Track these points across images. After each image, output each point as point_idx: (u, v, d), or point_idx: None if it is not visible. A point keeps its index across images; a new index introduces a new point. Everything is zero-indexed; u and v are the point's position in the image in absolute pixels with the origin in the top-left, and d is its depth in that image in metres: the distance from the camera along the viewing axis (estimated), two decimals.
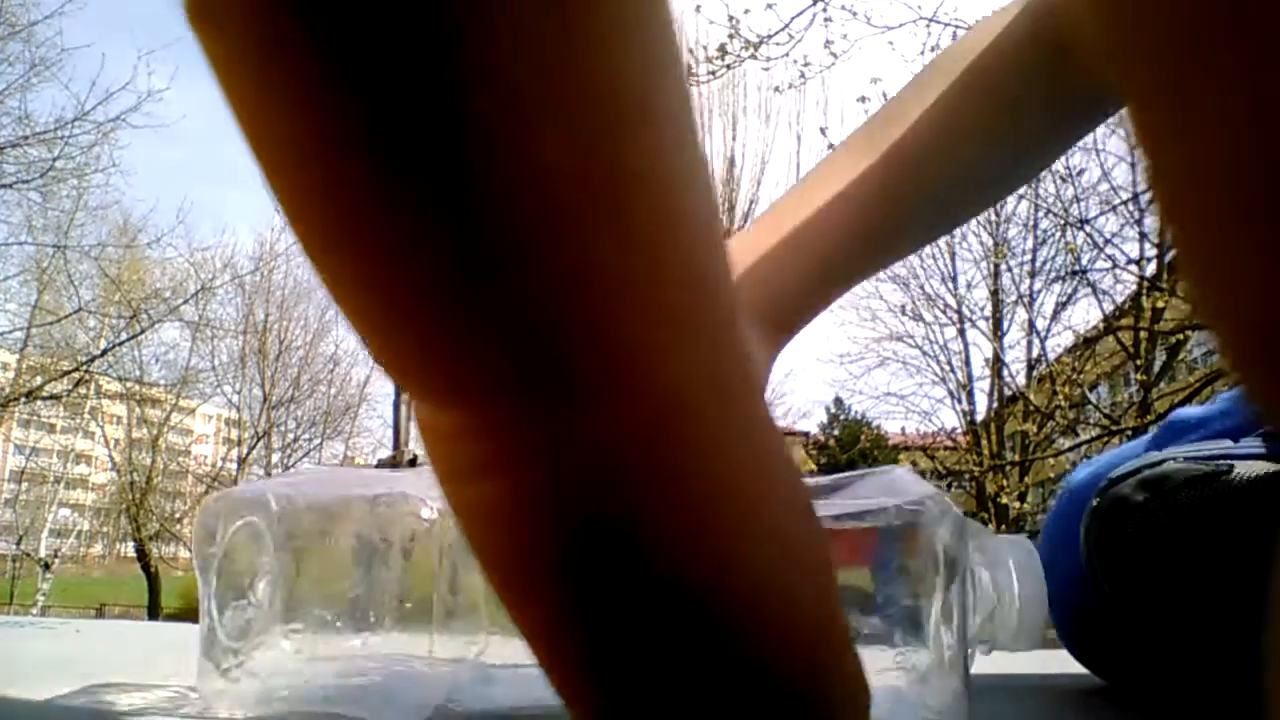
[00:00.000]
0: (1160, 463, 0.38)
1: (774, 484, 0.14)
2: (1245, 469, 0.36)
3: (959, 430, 8.23)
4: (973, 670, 0.33)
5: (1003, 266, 7.47)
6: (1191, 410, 0.43)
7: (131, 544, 11.02)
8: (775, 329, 0.37)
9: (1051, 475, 6.19)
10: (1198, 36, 0.09)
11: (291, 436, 11.58)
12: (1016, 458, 7.09)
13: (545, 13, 0.11)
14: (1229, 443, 0.39)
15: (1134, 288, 5.46)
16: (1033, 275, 7.27)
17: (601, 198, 0.11)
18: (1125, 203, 5.39)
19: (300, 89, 0.11)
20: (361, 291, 0.12)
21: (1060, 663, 0.49)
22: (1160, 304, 5.03)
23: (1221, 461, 0.37)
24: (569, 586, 0.13)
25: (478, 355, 0.12)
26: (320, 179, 0.11)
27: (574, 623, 0.13)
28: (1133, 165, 5.00)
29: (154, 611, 10.16)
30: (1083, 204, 5.68)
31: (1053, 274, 7.16)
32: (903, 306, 8.16)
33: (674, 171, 0.12)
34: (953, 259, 7.75)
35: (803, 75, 5.08)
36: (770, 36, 4.64)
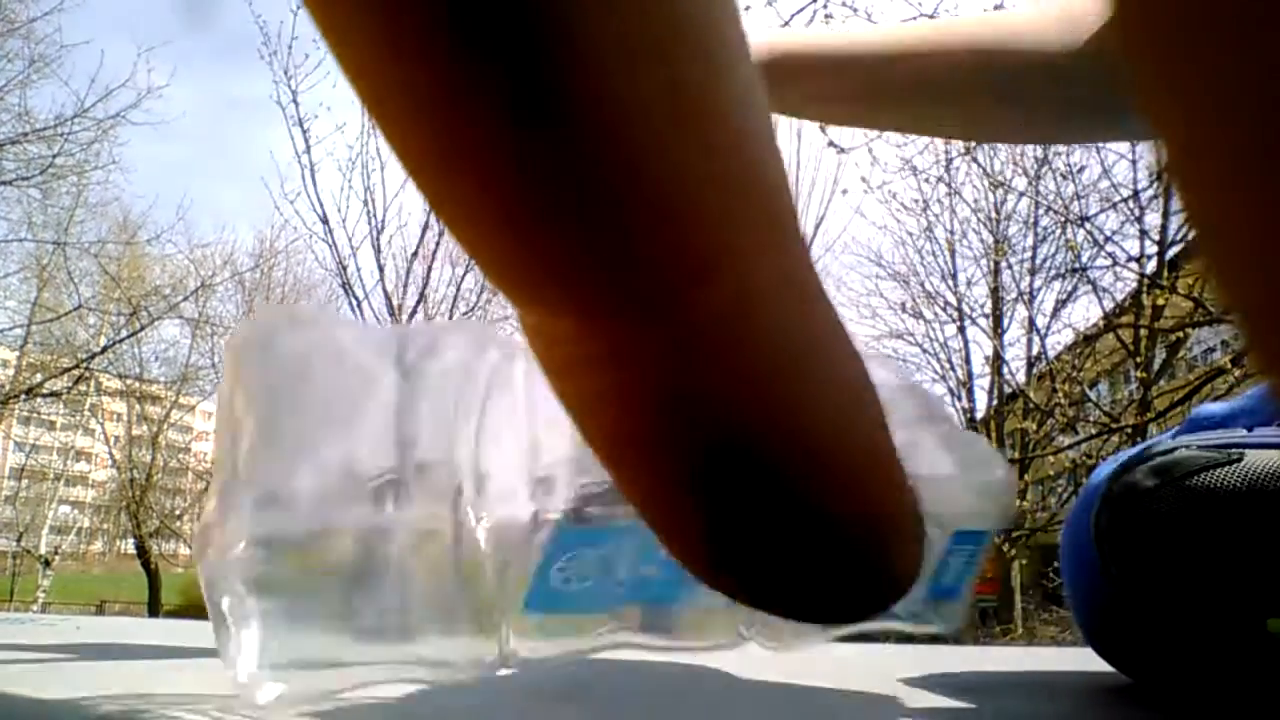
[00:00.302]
0: (1172, 450, 0.38)
1: (839, 359, 0.16)
2: (1257, 457, 0.36)
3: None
4: (995, 668, 0.33)
5: (1003, 264, 7.47)
6: (1215, 407, 0.43)
7: (132, 541, 11.03)
8: None
9: (1051, 473, 6.19)
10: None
11: None
12: (1016, 455, 7.09)
13: None
14: (1243, 432, 0.39)
15: (1134, 285, 5.45)
16: (1033, 273, 7.27)
17: (684, 121, 0.13)
18: (1126, 200, 5.39)
19: (421, 40, 0.12)
20: (473, 212, 0.14)
21: (1085, 660, 0.49)
22: (1160, 301, 5.03)
23: (1234, 449, 0.37)
24: (670, 461, 0.15)
25: (579, 266, 0.14)
26: (440, 115, 0.13)
27: (678, 492, 0.15)
28: (1133, 163, 5.00)
29: (154, 608, 10.17)
30: (1083, 201, 5.68)
31: (1053, 271, 7.16)
32: (903, 304, 8.16)
33: (740, 96, 0.14)
34: (953, 256, 7.75)
35: None
36: None
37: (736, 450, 0.15)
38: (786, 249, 0.15)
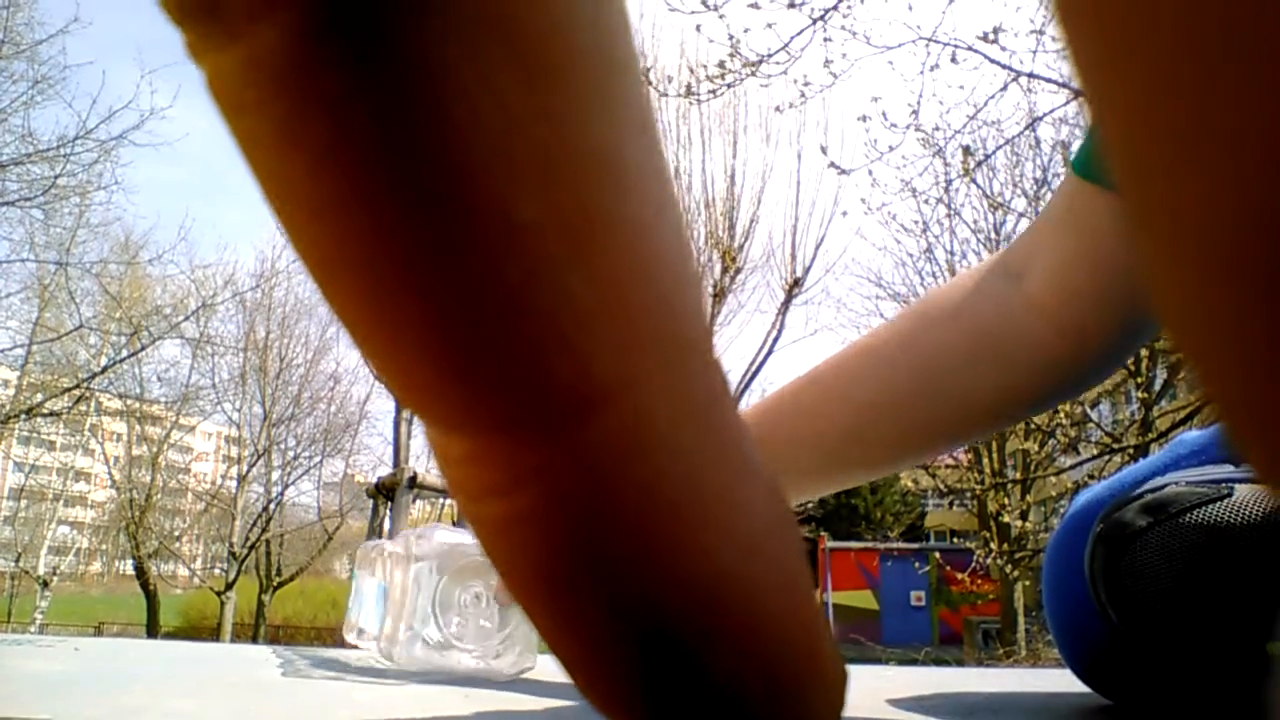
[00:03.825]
0: (1162, 487, 0.38)
1: (743, 476, 0.16)
2: (1247, 492, 0.36)
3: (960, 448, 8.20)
4: (974, 689, 0.33)
5: None
6: (1198, 434, 0.43)
7: (130, 562, 10.98)
8: None
9: (1053, 494, 6.18)
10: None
11: (292, 454, 11.57)
12: (1018, 476, 7.07)
13: (529, 93, 0.13)
14: (1230, 467, 0.39)
15: None
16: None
17: (580, 248, 0.13)
18: None
19: (328, 174, 0.13)
20: (375, 336, 0.14)
21: (1065, 682, 0.48)
22: None
23: (1224, 485, 0.37)
24: (572, 588, 0.15)
25: (475, 390, 0.14)
26: (337, 243, 0.13)
27: (581, 621, 0.15)
28: None
29: (152, 629, 10.12)
30: None
31: None
32: None
33: (644, 219, 0.14)
34: (953, 277, 7.75)
35: (803, 94, 5.10)
36: (770, 55, 4.67)
37: (641, 584, 0.14)
38: (691, 378, 0.15)
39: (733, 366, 7.20)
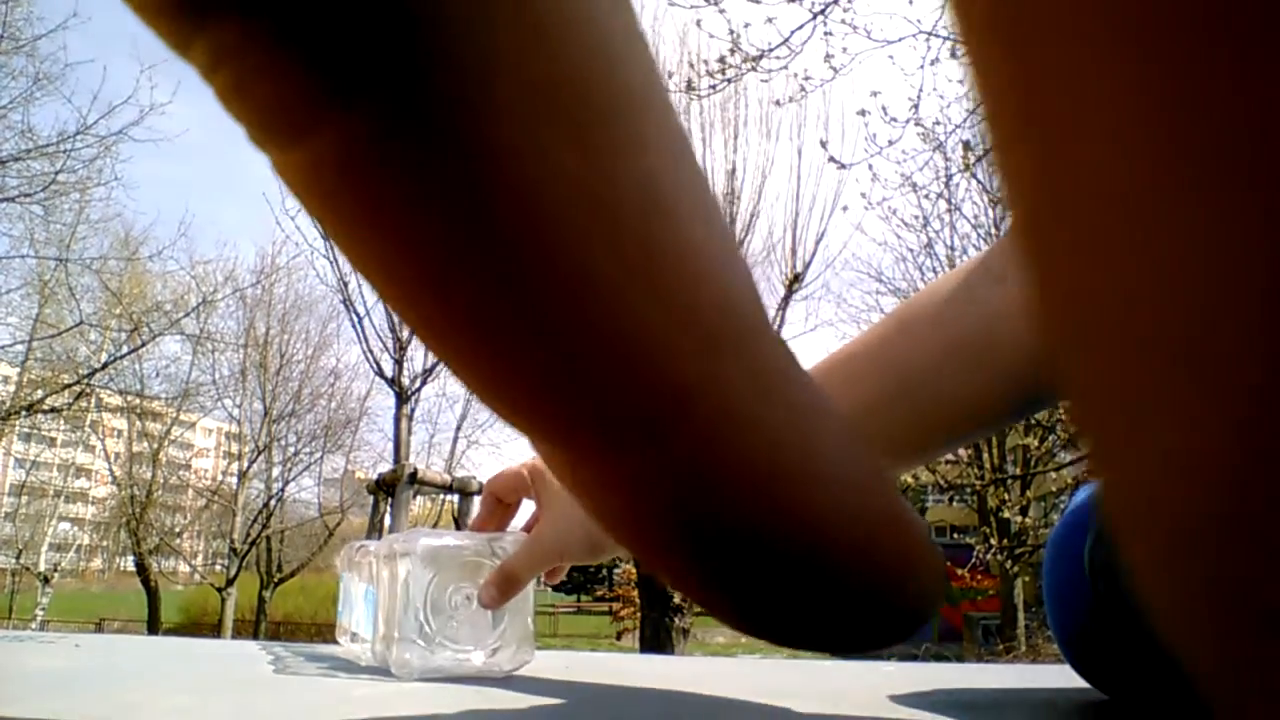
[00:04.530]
0: None
1: (818, 427, 0.18)
2: None
3: None
4: (975, 685, 0.33)
5: None
6: None
7: (131, 558, 11.00)
8: None
9: (1053, 489, 6.18)
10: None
11: (292, 450, 11.57)
12: (1018, 471, 7.08)
13: (579, 153, 0.14)
14: None
15: None
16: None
17: (642, 277, 0.15)
18: None
19: (407, 239, 0.15)
20: (477, 379, 0.16)
21: (1065, 678, 0.48)
22: None
23: None
24: (692, 561, 0.17)
25: (577, 415, 0.16)
26: (427, 309, 0.15)
27: (708, 584, 0.18)
28: None
29: (153, 626, 10.13)
30: None
31: None
32: None
33: (696, 237, 0.16)
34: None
35: (803, 89, 5.10)
36: (770, 50, 4.66)
37: (749, 543, 0.17)
38: (761, 361, 0.17)
39: None
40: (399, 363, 8.67)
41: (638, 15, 0.16)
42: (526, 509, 0.55)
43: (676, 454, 0.16)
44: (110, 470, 11.44)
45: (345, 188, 0.14)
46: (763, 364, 0.17)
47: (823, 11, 4.43)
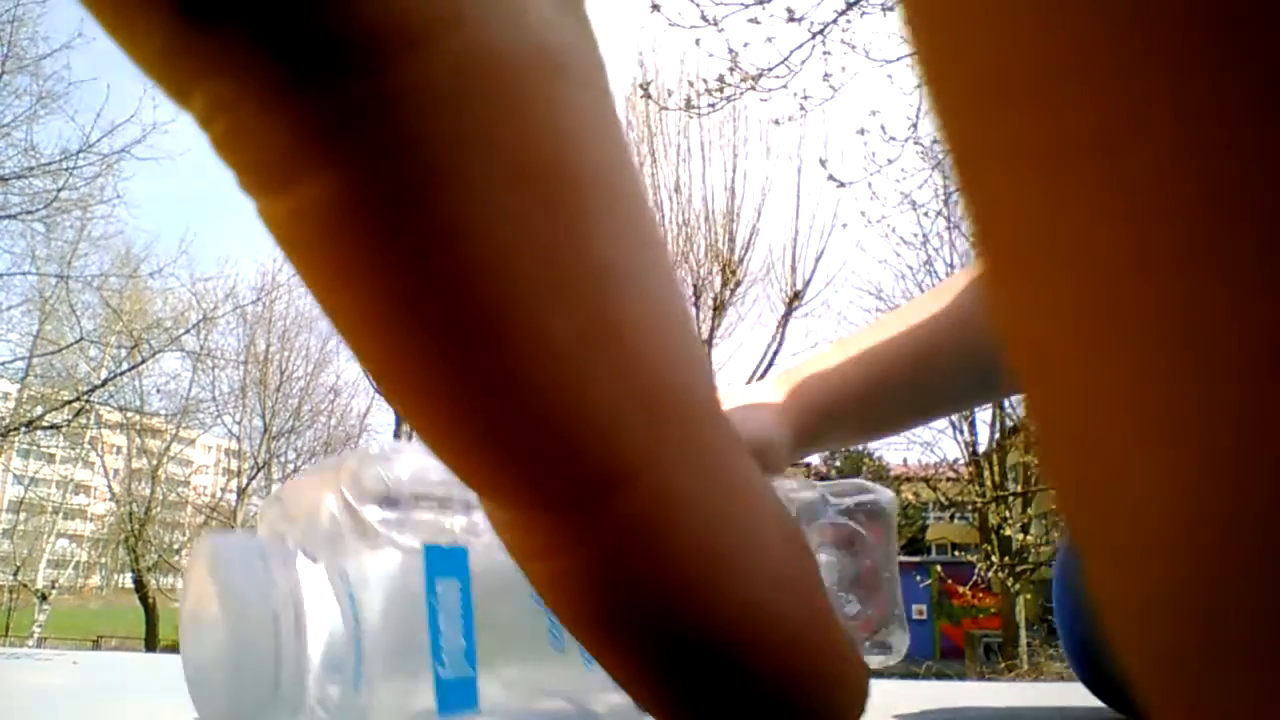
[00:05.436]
0: None
1: (758, 517, 0.18)
2: None
3: (961, 461, 8.20)
4: (977, 703, 0.33)
5: None
6: None
7: (130, 575, 10.95)
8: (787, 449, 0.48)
9: (1054, 507, 6.15)
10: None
11: (292, 467, 11.54)
12: (1019, 489, 7.07)
13: (550, 228, 0.15)
14: None
15: None
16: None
17: (596, 350, 0.16)
18: None
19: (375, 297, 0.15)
20: (421, 425, 0.17)
21: (1068, 696, 0.48)
22: None
23: None
24: (618, 629, 0.17)
25: (517, 476, 0.16)
26: (384, 354, 0.16)
27: (629, 653, 0.18)
28: None
29: (151, 644, 10.08)
30: None
31: None
32: None
33: (652, 316, 0.17)
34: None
35: (802, 108, 5.12)
36: (769, 69, 4.69)
37: (674, 626, 0.17)
38: (704, 439, 0.17)
39: (733, 379, 7.19)
40: None
41: (615, 108, 0.17)
42: None
43: (609, 524, 0.17)
44: (109, 487, 11.42)
45: (321, 238, 0.15)
46: (708, 443, 0.17)
47: (821, 31, 4.46)
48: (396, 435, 8.68)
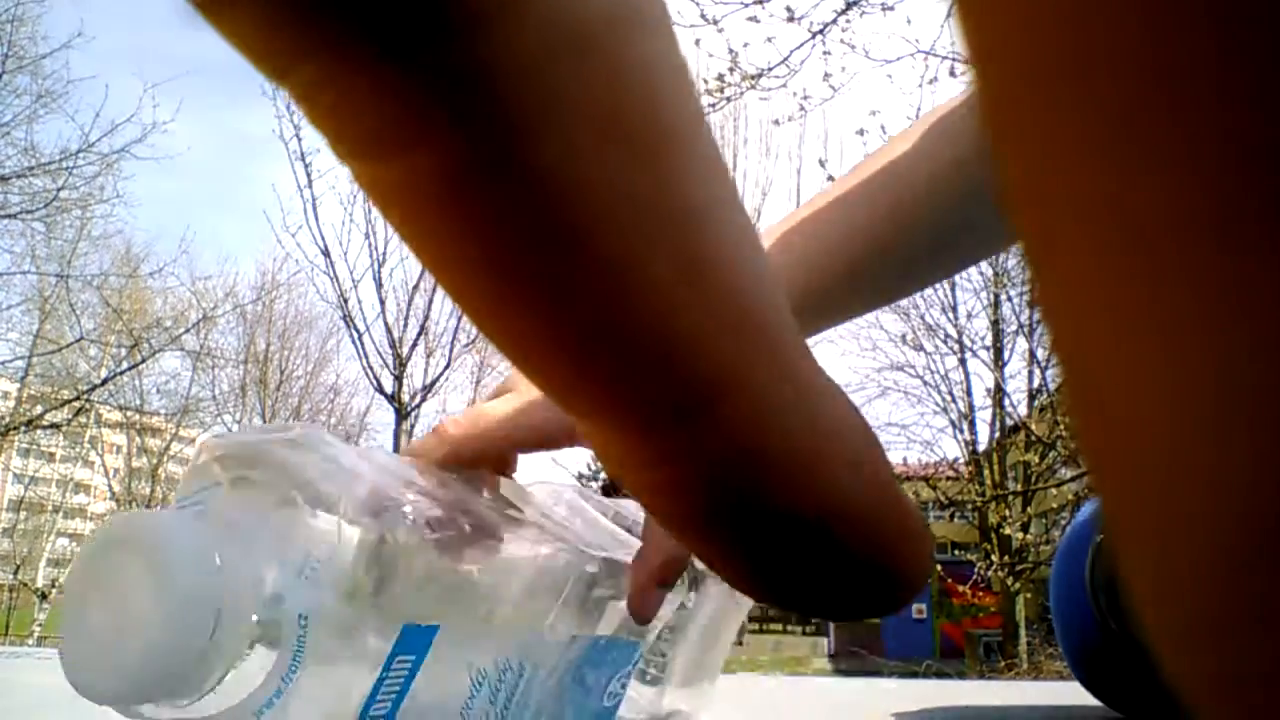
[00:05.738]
0: None
1: (834, 412, 0.20)
2: None
3: (961, 460, 8.20)
4: (977, 701, 0.33)
5: (1003, 296, 7.49)
6: None
7: None
8: None
9: (1054, 505, 6.17)
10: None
11: None
12: (1019, 488, 7.07)
13: (638, 174, 0.16)
14: None
15: None
16: (1033, 305, 7.27)
17: (686, 281, 0.17)
18: None
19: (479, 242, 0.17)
20: (531, 363, 0.18)
21: (1067, 694, 0.48)
22: None
23: None
24: (726, 525, 0.19)
25: (622, 398, 0.18)
26: (493, 302, 0.17)
27: (734, 547, 0.20)
28: None
29: None
30: None
31: None
32: (903, 336, 8.16)
33: (731, 245, 0.18)
34: (953, 289, 7.77)
35: (802, 108, 5.12)
36: (769, 69, 4.69)
37: (769, 516, 0.19)
38: (788, 357, 0.19)
39: None
40: (398, 379, 8.67)
41: (681, 50, 0.18)
42: None
43: (710, 434, 0.18)
44: (109, 486, 11.42)
45: (434, 200, 0.16)
46: (789, 358, 0.19)
47: (821, 31, 4.46)
48: (396, 436, 8.68)
